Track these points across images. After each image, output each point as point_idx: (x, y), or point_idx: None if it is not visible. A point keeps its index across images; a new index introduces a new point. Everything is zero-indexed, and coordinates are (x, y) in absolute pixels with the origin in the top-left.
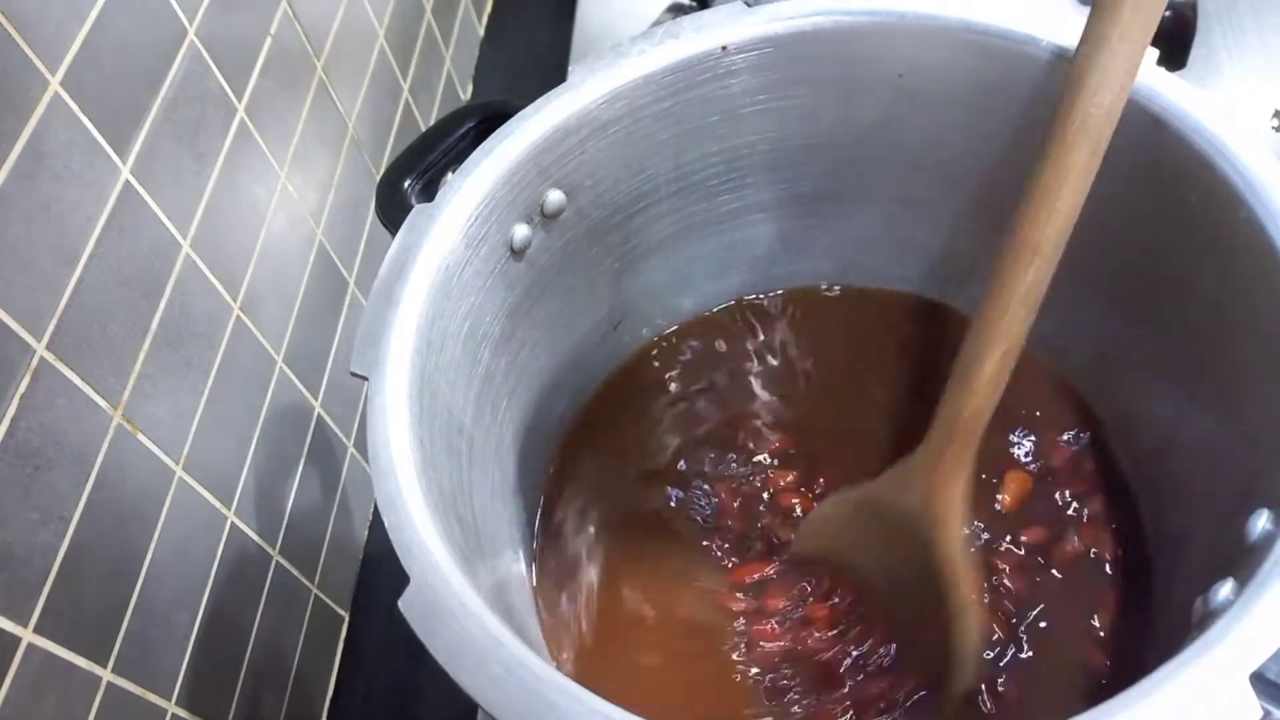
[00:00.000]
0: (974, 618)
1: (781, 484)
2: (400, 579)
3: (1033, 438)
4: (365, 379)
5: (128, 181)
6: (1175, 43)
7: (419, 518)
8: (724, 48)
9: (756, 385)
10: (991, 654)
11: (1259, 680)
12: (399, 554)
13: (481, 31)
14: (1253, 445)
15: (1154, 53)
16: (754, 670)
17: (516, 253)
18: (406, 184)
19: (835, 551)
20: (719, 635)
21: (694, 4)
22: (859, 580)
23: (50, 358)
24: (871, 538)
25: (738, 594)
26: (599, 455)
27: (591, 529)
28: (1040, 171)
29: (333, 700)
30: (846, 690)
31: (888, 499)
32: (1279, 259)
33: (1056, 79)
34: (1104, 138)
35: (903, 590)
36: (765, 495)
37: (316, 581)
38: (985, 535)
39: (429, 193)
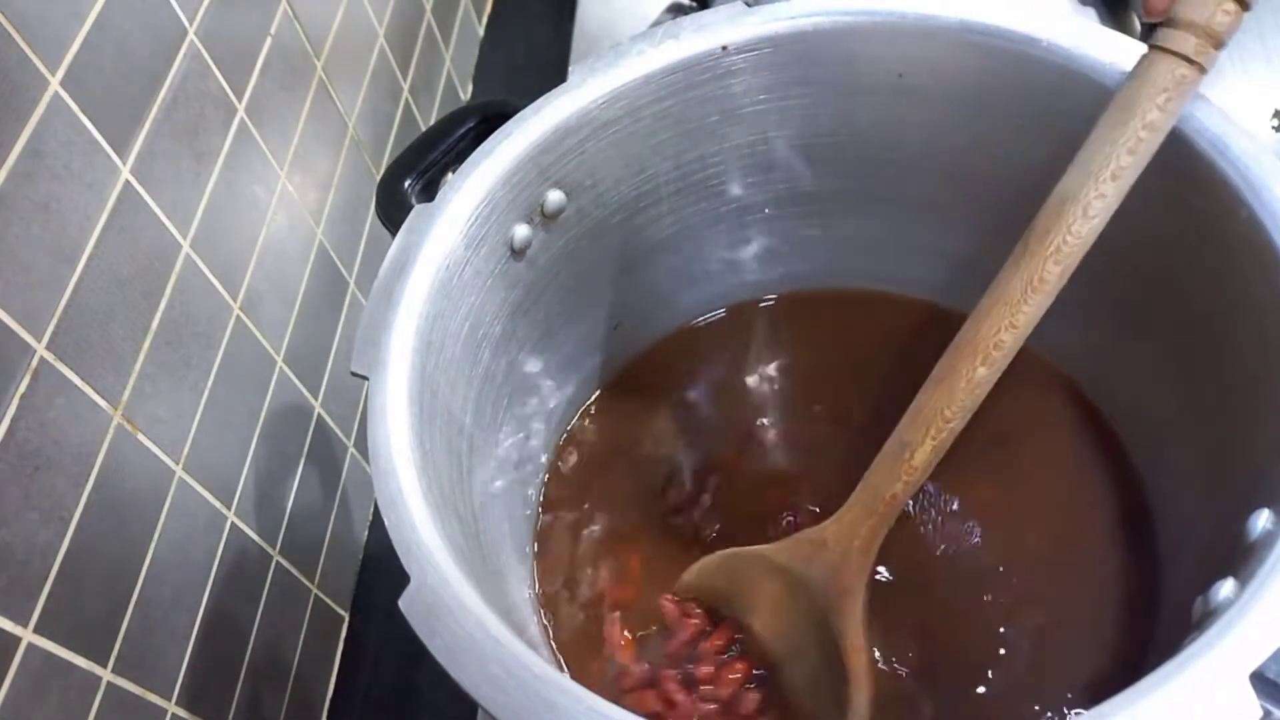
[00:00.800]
0: (868, 687)
1: (777, 488)
2: (400, 579)
3: (1033, 437)
4: (365, 379)
5: (128, 181)
6: None
7: (419, 518)
8: (724, 48)
9: (756, 385)
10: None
11: (1259, 680)
12: (399, 554)
13: (481, 31)
14: (1253, 445)
15: None
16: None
17: (517, 253)
18: (406, 184)
19: (723, 600)
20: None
21: (694, 4)
22: (746, 635)
23: (50, 358)
24: (764, 596)
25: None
26: (598, 455)
27: (591, 529)
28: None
29: (333, 700)
30: None
31: (790, 565)
32: (1279, 259)
33: (1056, 79)
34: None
35: (792, 651)
36: (763, 497)
37: (316, 581)
38: (988, 532)
39: (429, 193)
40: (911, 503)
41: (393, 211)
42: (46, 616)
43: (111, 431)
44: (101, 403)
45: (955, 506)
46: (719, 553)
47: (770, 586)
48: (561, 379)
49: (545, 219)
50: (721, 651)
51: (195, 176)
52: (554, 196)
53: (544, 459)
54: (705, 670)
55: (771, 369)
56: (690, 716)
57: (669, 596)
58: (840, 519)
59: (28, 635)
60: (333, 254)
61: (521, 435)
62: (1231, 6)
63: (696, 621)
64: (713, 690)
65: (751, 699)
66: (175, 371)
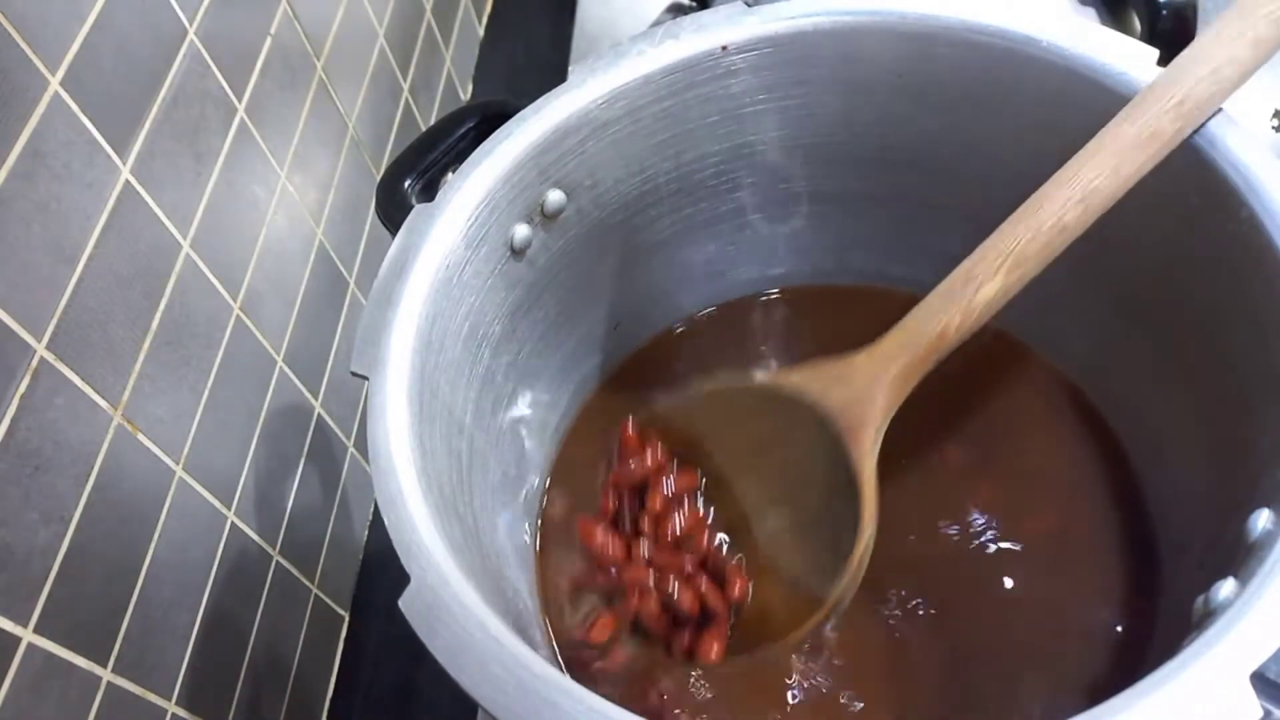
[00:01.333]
0: (870, 530)
1: None
2: (400, 579)
3: (1033, 437)
4: (365, 379)
5: (128, 181)
6: (1175, 43)
7: (419, 518)
8: (724, 48)
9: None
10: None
11: (1259, 680)
12: (399, 554)
13: (481, 31)
14: (1253, 445)
15: (1154, 53)
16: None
17: (517, 252)
18: (407, 184)
19: (692, 445)
20: None
21: (694, 4)
22: (713, 490)
23: (50, 358)
24: (748, 438)
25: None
26: (599, 454)
27: None
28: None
29: (333, 700)
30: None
31: (801, 392)
32: (1279, 259)
33: (1056, 79)
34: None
35: (779, 497)
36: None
37: (316, 581)
38: (988, 532)
39: (429, 193)
40: (911, 502)
41: (393, 211)
42: (46, 616)
43: (111, 431)
44: (101, 403)
45: (955, 506)
46: (703, 387)
47: (760, 425)
48: (561, 378)
49: (545, 219)
50: (682, 496)
51: (195, 176)
52: (554, 196)
53: (544, 458)
54: (665, 514)
55: (772, 368)
56: (646, 567)
57: (628, 422)
58: (872, 350)
59: (28, 635)
60: (333, 254)
61: (521, 435)
62: None
63: (658, 458)
64: (674, 535)
65: (718, 551)
66: (175, 371)
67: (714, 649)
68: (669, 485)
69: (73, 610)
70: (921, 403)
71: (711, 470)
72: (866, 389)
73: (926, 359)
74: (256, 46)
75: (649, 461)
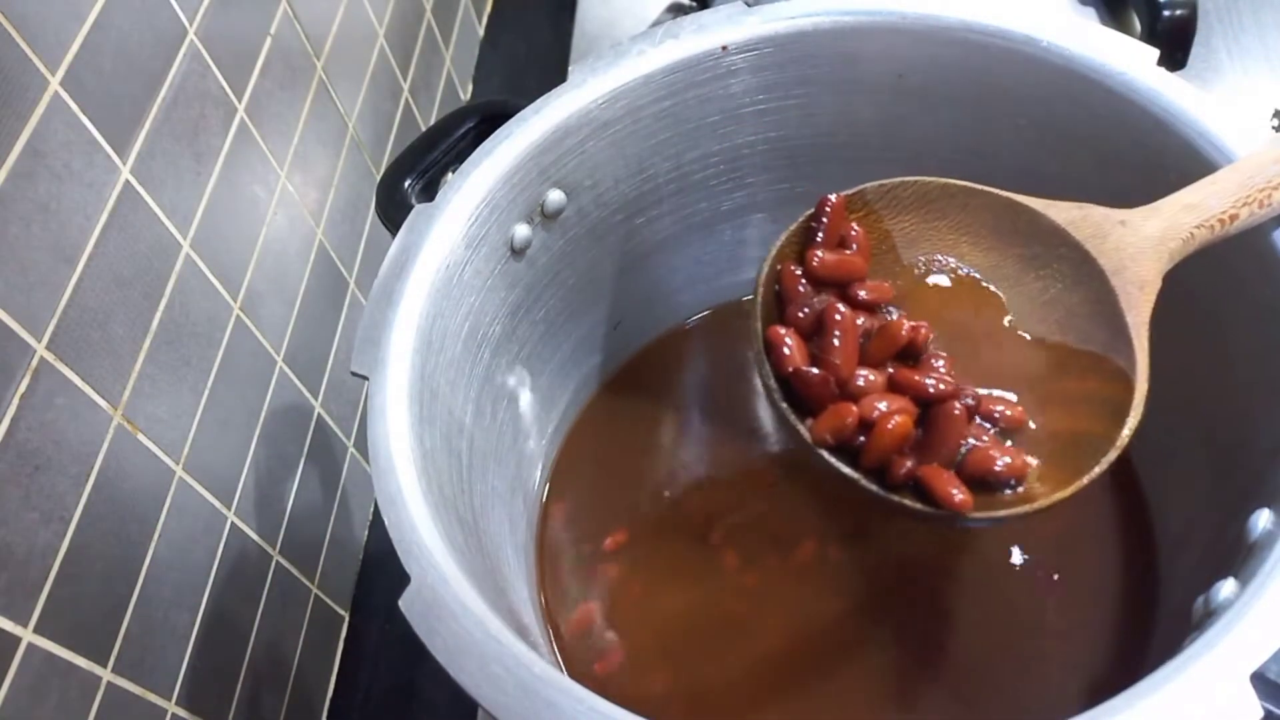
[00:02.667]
0: (1138, 415)
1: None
2: (400, 579)
3: None
4: (365, 379)
5: (128, 181)
6: (1175, 43)
7: (419, 518)
8: (724, 48)
9: (756, 385)
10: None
11: (1259, 680)
12: (399, 554)
13: (481, 31)
14: (1253, 445)
15: (1154, 53)
16: None
17: (517, 252)
18: (407, 184)
19: (892, 245)
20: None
21: (694, 4)
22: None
23: (50, 358)
24: (995, 252)
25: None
26: (599, 454)
27: (592, 528)
28: None
29: (333, 700)
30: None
31: (1069, 228)
32: (1279, 259)
33: (1056, 79)
34: None
35: (1019, 327)
36: (767, 494)
37: (316, 581)
38: (988, 532)
39: (429, 193)
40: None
41: (393, 211)
42: (46, 616)
43: (111, 431)
44: (101, 403)
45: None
46: (932, 179)
47: (993, 246)
48: (561, 378)
49: (545, 219)
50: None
51: (195, 176)
52: (554, 196)
53: (544, 458)
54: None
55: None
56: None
57: (833, 196)
58: (1159, 209)
59: (28, 635)
60: (333, 254)
61: (521, 434)
62: None
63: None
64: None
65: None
66: (175, 371)
67: (958, 493)
68: (864, 291)
69: (73, 610)
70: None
71: (911, 281)
72: (1151, 246)
73: (1210, 233)
74: (256, 46)
75: (858, 255)
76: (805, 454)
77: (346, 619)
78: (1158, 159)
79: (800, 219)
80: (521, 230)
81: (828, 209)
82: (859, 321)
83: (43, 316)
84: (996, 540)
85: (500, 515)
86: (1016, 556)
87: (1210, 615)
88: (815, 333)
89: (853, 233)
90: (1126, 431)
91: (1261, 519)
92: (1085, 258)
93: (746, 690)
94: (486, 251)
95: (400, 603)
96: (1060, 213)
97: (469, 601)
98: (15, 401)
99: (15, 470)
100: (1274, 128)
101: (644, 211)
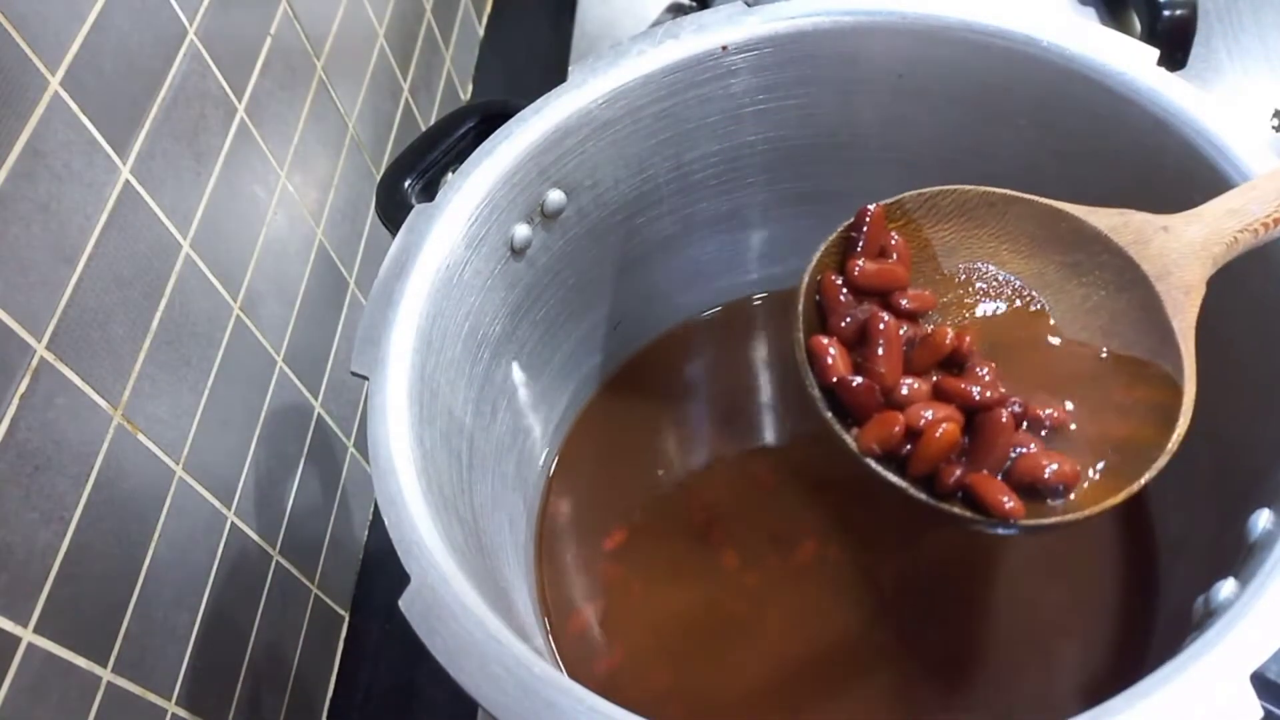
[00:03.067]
0: (1185, 422)
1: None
2: (400, 579)
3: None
4: (365, 379)
5: (128, 181)
6: (1175, 43)
7: (419, 518)
8: (724, 48)
9: (756, 385)
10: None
11: (1259, 680)
12: (399, 554)
13: (481, 31)
14: (1253, 445)
15: (1154, 53)
16: None
17: (517, 253)
18: (406, 184)
19: (930, 254)
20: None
21: (694, 4)
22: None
23: (50, 358)
24: (1036, 260)
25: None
26: (599, 455)
27: (592, 528)
28: None
29: (333, 700)
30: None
31: (1110, 234)
32: (1279, 258)
33: (1056, 79)
34: None
35: (1059, 335)
36: (766, 494)
37: (316, 581)
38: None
39: (429, 193)
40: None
41: (393, 211)
42: (46, 616)
43: (111, 431)
44: (101, 403)
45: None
46: (971, 188)
47: (1034, 254)
48: (561, 378)
49: (545, 219)
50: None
51: (195, 176)
52: (554, 196)
53: (544, 458)
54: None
55: (772, 368)
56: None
57: (871, 206)
58: (1201, 214)
59: (28, 635)
60: (333, 254)
61: (521, 434)
62: None
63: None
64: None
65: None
66: (175, 371)
67: (1008, 500)
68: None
69: (73, 610)
70: None
71: (952, 290)
72: (1194, 251)
73: (1254, 237)
74: (256, 46)
75: (900, 264)
76: (850, 463)
77: (346, 619)
78: (1158, 159)
79: (839, 229)
80: (521, 230)
81: (867, 219)
82: (902, 330)
83: (43, 316)
84: (997, 541)
85: (500, 515)
86: (1016, 557)
87: (1210, 615)
88: (858, 342)
89: (893, 242)
90: (1176, 436)
91: (1261, 519)
92: (1128, 264)
93: (746, 690)
94: (486, 251)
95: (400, 603)
96: (1101, 219)
97: (469, 601)
98: (15, 401)
99: (15, 470)
100: (1274, 128)
101: (644, 211)
